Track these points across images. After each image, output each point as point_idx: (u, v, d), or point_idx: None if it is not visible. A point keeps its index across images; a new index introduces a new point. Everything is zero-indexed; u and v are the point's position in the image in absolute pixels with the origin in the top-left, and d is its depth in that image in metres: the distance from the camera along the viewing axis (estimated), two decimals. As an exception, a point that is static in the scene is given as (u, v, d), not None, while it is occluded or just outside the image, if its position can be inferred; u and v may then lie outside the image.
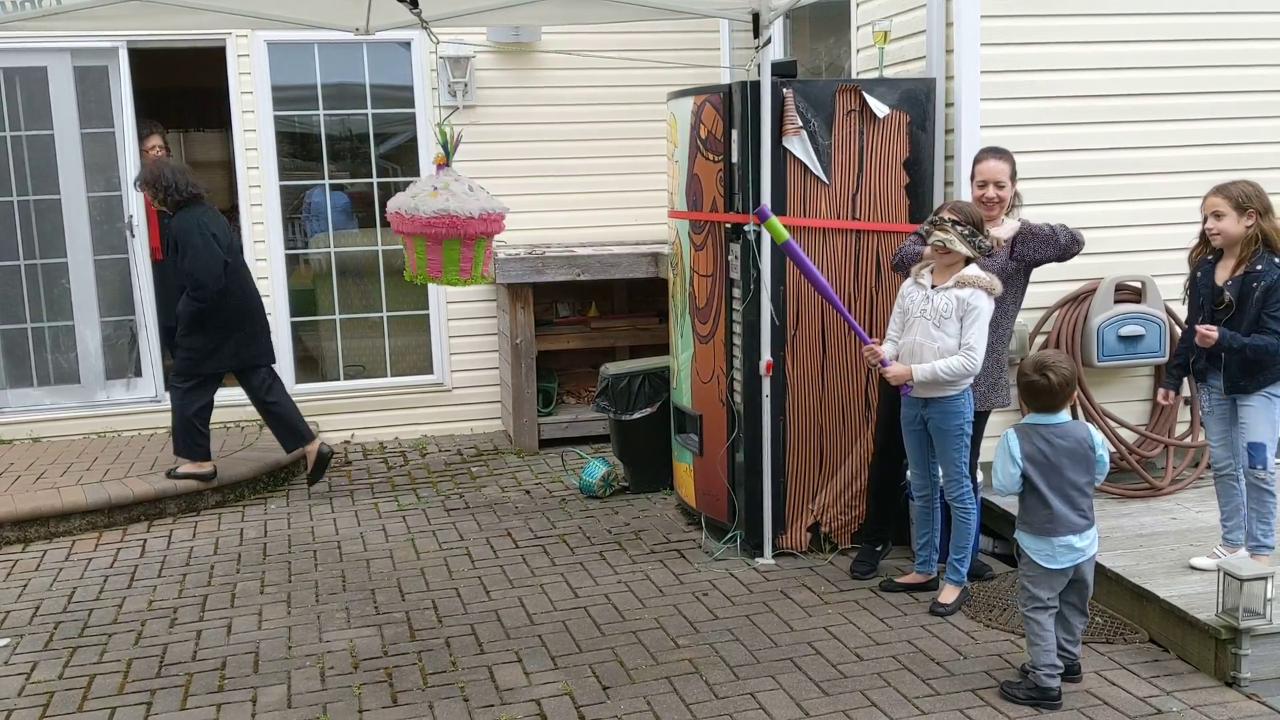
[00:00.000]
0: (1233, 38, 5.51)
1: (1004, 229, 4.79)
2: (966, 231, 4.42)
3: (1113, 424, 5.43)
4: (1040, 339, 5.43)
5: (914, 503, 4.87)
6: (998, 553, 5.28)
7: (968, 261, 4.49)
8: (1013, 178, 4.78)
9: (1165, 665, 4.13)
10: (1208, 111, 5.52)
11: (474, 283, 4.49)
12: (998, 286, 4.51)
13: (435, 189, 4.25)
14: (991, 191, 4.74)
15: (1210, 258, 4.45)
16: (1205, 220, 4.39)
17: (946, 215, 4.47)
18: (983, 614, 4.59)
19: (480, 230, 4.29)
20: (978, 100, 5.26)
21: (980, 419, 4.81)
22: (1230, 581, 3.92)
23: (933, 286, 4.55)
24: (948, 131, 5.34)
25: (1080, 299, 5.43)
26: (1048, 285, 5.31)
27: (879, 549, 5.13)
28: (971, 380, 4.58)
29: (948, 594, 4.68)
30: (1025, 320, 5.27)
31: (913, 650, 4.31)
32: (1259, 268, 4.25)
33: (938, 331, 4.51)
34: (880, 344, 4.70)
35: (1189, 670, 4.08)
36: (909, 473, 4.89)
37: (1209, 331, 4.24)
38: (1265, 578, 3.87)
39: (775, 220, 4.76)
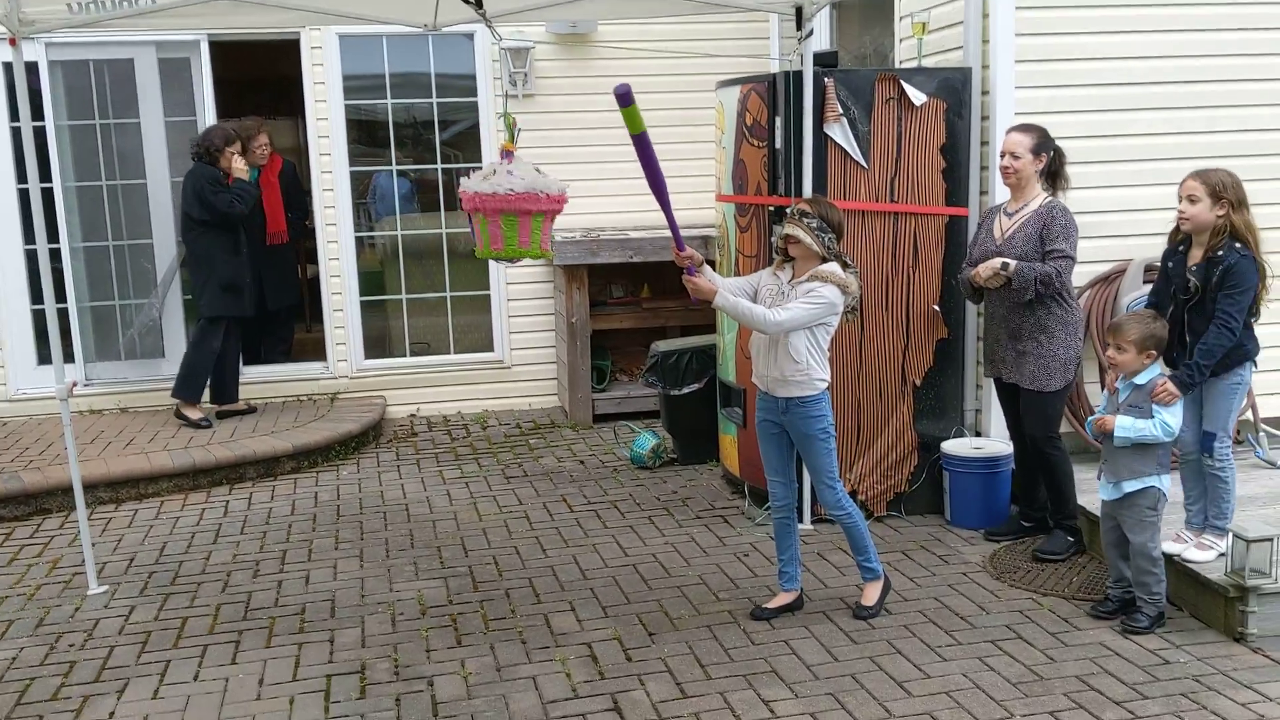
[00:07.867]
0: (1273, 26, 5.67)
1: (1030, 206, 4.96)
2: (815, 224, 4.23)
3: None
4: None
5: (773, 516, 4.63)
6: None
7: (825, 260, 4.28)
8: (1036, 151, 4.93)
9: (1178, 623, 4.38)
10: (1239, 98, 5.69)
11: (550, 255, 4.86)
12: (853, 286, 4.29)
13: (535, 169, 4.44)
14: (1007, 161, 4.98)
15: (1181, 248, 4.47)
16: (1180, 203, 4.37)
17: (798, 207, 4.30)
18: (1007, 575, 4.86)
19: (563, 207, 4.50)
20: (1012, 88, 5.49)
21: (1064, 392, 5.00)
22: (1238, 543, 4.16)
23: (789, 281, 4.35)
24: (983, 118, 5.58)
25: (1110, 279, 5.65)
26: (1080, 266, 5.50)
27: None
28: (826, 384, 4.37)
29: (869, 594, 4.56)
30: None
31: (938, 606, 4.60)
32: (1221, 253, 4.27)
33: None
34: (696, 258, 4.34)
35: (1200, 627, 4.33)
36: (768, 483, 4.62)
37: (1170, 394, 4.21)
38: (1271, 539, 4.10)
39: (636, 108, 4.09)
